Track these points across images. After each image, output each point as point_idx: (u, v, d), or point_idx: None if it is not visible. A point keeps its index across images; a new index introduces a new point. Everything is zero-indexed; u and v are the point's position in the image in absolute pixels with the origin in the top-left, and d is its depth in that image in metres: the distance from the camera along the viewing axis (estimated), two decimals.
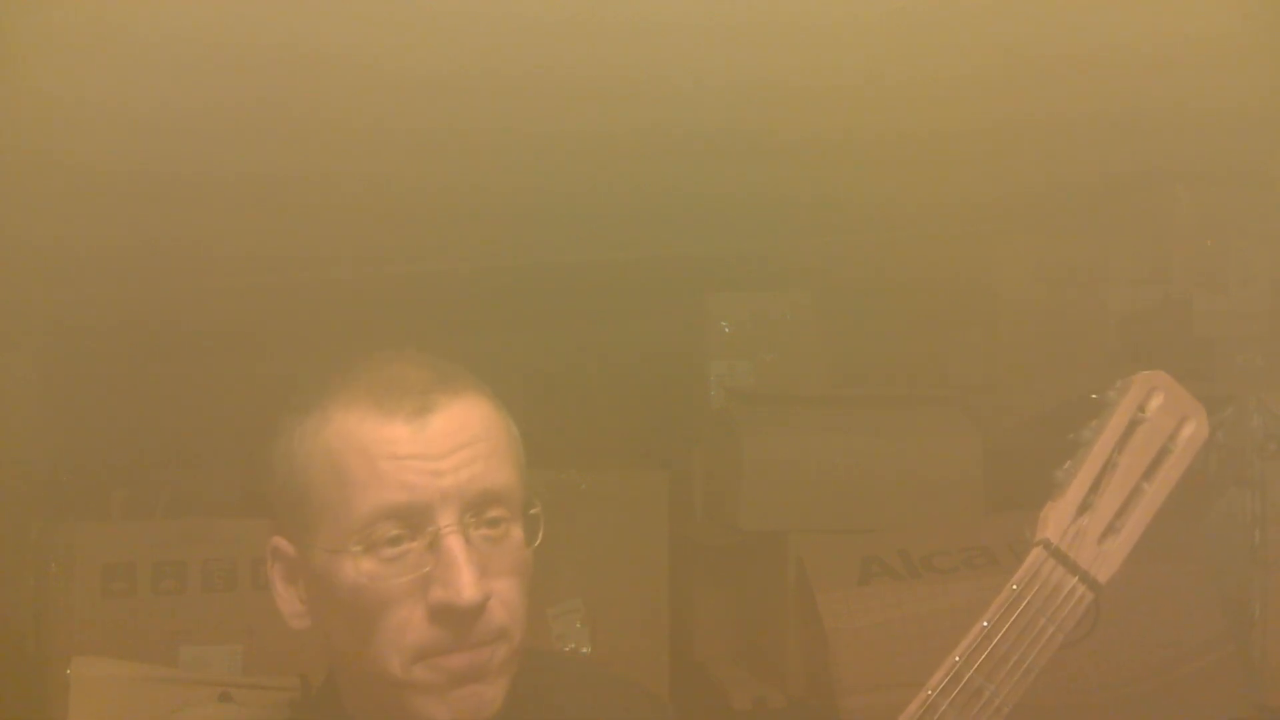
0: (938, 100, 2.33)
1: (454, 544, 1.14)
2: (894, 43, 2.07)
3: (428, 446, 1.15)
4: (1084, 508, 1.30)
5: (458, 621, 1.14)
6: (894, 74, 2.18)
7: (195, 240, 3.02)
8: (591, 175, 2.76)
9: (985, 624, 1.25)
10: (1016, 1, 1.95)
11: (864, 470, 2.85)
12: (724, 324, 3.31)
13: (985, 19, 1.99)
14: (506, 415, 1.24)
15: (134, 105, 2.16)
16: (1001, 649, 1.25)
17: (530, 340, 3.61)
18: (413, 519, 1.15)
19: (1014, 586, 1.26)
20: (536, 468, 1.26)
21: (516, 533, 1.20)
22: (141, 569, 2.44)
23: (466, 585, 1.13)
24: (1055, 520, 1.29)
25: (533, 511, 1.21)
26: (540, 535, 1.21)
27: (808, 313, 3.32)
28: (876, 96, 2.30)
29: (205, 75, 2.05)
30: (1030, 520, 1.31)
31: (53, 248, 2.97)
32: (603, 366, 3.71)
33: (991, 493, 2.86)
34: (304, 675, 1.85)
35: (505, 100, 2.27)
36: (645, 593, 2.79)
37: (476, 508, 1.17)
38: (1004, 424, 3.11)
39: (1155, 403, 1.34)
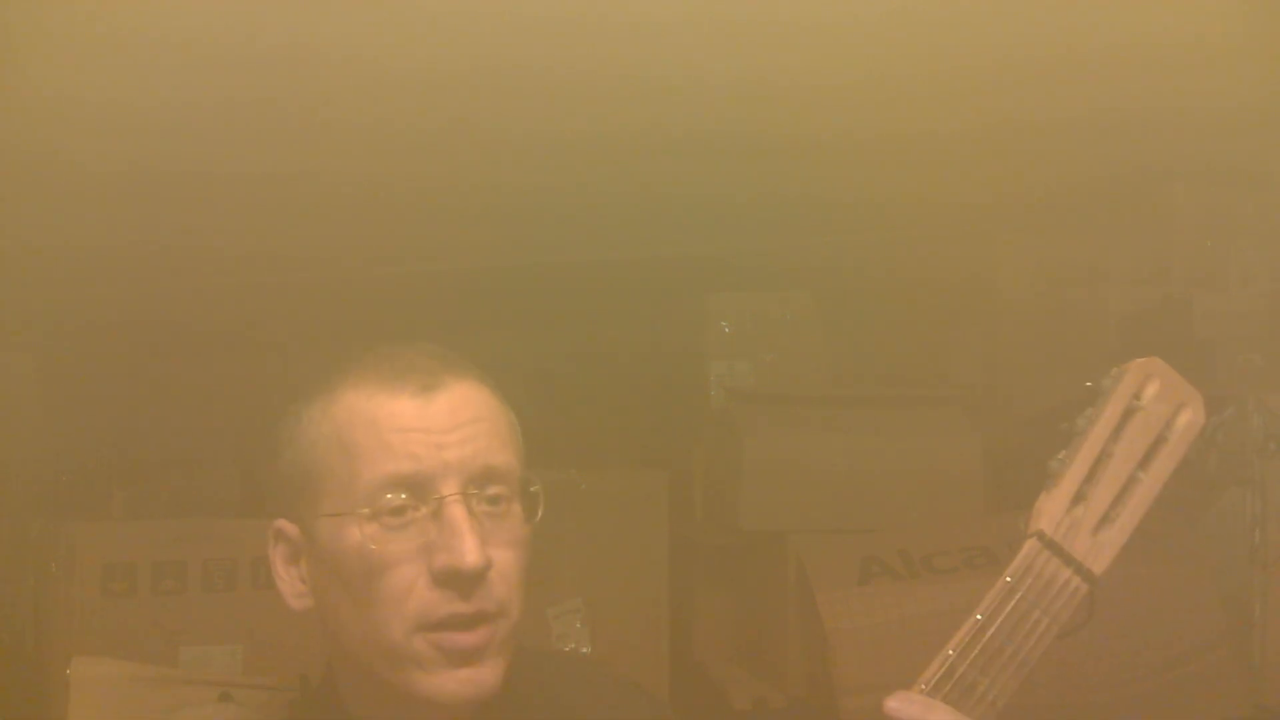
0: (938, 100, 2.33)
1: (456, 512, 1.17)
2: (894, 43, 2.06)
3: (433, 421, 1.19)
4: (1078, 498, 1.27)
5: (460, 585, 1.17)
6: (894, 74, 2.18)
7: (195, 240, 3.02)
8: (591, 175, 2.76)
9: (979, 617, 1.23)
10: (1016, 1, 1.94)
11: (864, 470, 2.85)
12: (724, 324, 3.31)
13: (985, 19, 1.98)
14: (506, 404, 1.27)
15: (135, 105, 2.16)
16: (995, 642, 1.22)
17: (530, 340, 3.61)
18: (417, 488, 1.18)
19: (1008, 579, 1.24)
20: (536, 468, 1.28)
21: (516, 509, 1.23)
22: (141, 569, 2.44)
23: (470, 549, 1.15)
24: (1049, 511, 1.26)
25: (533, 489, 1.24)
26: (540, 511, 1.24)
27: (808, 313, 3.32)
28: (877, 96, 2.29)
29: (206, 75, 2.05)
30: (1025, 513, 1.30)
31: (53, 248, 2.97)
32: (603, 366, 3.71)
33: (991, 493, 2.86)
34: (304, 675, 1.84)
35: (505, 100, 2.27)
36: (645, 593, 2.79)
37: (479, 482, 1.20)
38: (1004, 424, 3.10)
39: (1151, 390, 1.33)
